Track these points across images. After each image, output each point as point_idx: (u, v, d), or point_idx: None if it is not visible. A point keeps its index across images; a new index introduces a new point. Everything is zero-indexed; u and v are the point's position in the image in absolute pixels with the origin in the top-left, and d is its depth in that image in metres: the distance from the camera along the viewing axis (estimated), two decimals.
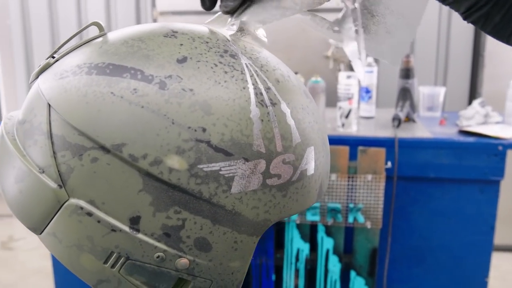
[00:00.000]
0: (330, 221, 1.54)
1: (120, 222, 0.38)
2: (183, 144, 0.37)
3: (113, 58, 0.39)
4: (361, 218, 1.52)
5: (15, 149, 0.40)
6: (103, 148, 0.37)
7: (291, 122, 0.41)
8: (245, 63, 0.41)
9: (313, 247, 1.64)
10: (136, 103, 0.37)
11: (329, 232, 1.58)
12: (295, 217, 1.56)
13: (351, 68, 2.50)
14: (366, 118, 1.86)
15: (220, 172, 0.38)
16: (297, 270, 1.63)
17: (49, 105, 0.39)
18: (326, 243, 1.58)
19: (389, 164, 1.53)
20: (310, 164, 0.43)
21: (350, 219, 1.53)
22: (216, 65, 0.40)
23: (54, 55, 0.42)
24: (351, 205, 1.52)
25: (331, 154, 1.62)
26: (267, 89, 0.41)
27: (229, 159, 0.38)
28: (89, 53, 0.41)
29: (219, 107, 0.38)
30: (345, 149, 1.51)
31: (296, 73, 1.80)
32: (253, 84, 0.40)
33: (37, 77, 0.42)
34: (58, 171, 0.38)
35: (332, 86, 2.08)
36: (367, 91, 1.84)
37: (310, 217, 1.55)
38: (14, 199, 0.41)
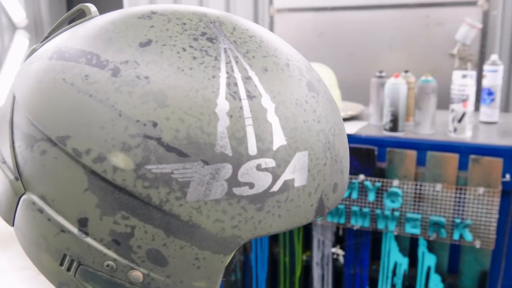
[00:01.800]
0: (432, 236, 1.39)
1: (69, 222, 0.34)
2: (129, 140, 0.32)
3: (76, 41, 0.36)
4: (468, 236, 1.34)
5: None
6: (50, 140, 0.34)
7: (273, 119, 0.34)
8: (225, 48, 0.35)
9: (413, 263, 1.50)
10: (85, 91, 0.33)
11: (431, 247, 1.42)
12: (392, 228, 1.43)
13: (479, 68, 2.26)
14: (486, 124, 1.65)
15: (173, 176, 0.32)
16: (393, 286, 1.50)
17: (13, 93, 0.37)
18: (427, 259, 1.43)
19: (508, 177, 1.33)
20: (300, 173, 0.35)
21: (456, 236, 1.36)
22: (184, 50, 0.34)
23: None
24: (458, 220, 1.35)
25: (436, 161, 1.44)
26: (246, 78, 0.34)
27: (183, 160, 0.32)
28: (62, 37, 0.38)
29: (176, 98, 0.32)
30: (454, 157, 1.35)
31: (406, 71, 1.65)
32: (227, 73, 0.34)
33: (24, 61, 0.40)
34: (16, 162, 0.36)
35: None
36: (490, 93, 1.63)
37: (410, 229, 1.41)
38: None
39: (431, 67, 2.39)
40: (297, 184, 0.35)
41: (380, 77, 1.67)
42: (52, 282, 0.37)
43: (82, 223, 0.34)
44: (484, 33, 2.27)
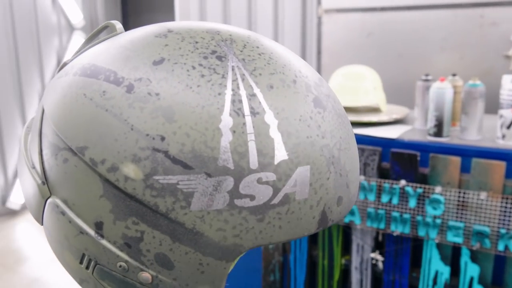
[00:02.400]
0: (475, 246, 1.34)
1: (87, 225, 0.37)
2: (139, 152, 0.34)
3: (98, 59, 0.38)
4: None
5: (24, 143, 0.43)
6: (71, 150, 0.36)
7: (276, 135, 0.35)
8: (232, 66, 0.36)
9: (455, 272, 1.45)
10: (102, 106, 0.35)
11: (475, 257, 1.38)
12: (434, 235, 1.39)
13: None
14: None
15: (178, 186, 0.34)
16: None
17: (42, 105, 0.40)
18: (470, 269, 1.39)
19: None
20: (302, 187, 0.36)
21: (500, 247, 1.31)
22: (194, 68, 0.36)
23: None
24: (503, 231, 1.30)
25: (482, 169, 1.40)
26: (251, 95, 0.35)
27: (188, 172, 0.34)
28: (87, 53, 0.40)
29: (183, 114, 0.34)
30: (501, 164, 1.30)
31: (454, 75, 1.61)
32: (232, 90, 0.35)
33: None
34: (43, 168, 0.39)
35: None
36: None
37: (451, 238, 1.37)
38: (22, 190, 0.43)
39: (484, 69, 2.30)
40: (298, 197, 0.36)
41: (426, 80, 1.63)
42: (74, 278, 0.40)
43: (98, 226, 0.36)
44: None
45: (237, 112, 0.35)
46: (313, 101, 0.38)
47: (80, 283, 0.40)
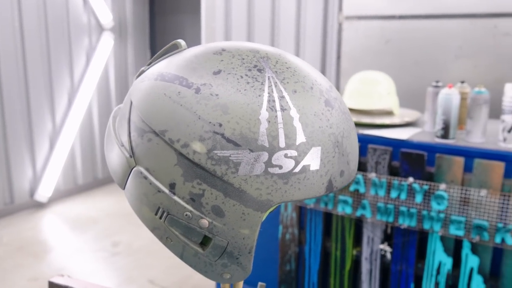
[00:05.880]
0: (475, 238, 1.47)
1: (163, 186, 0.51)
2: (204, 134, 0.49)
3: (172, 68, 0.53)
4: (510, 240, 1.41)
5: (113, 128, 0.58)
6: (154, 132, 0.51)
7: (297, 125, 0.50)
8: (268, 76, 0.51)
9: (456, 263, 1.58)
10: (178, 102, 0.50)
11: (475, 250, 1.50)
12: (438, 228, 1.52)
13: None
14: None
15: (230, 158, 0.48)
16: (437, 283, 1.59)
17: (131, 100, 0.55)
18: (471, 261, 1.51)
19: None
20: (315, 161, 0.51)
21: (497, 239, 1.43)
22: (242, 77, 0.51)
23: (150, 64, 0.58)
24: (500, 225, 1.42)
25: (483, 168, 1.57)
26: (281, 97, 0.50)
27: (237, 148, 0.48)
28: (162, 64, 0.56)
29: (234, 109, 0.49)
30: (500, 165, 1.42)
31: (462, 82, 1.73)
32: (268, 93, 0.50)
33: (136, 78, 0.58)
34: (131, 145, 0.53)
35: None
36: None
37: (453, 231, 1.50)
38: (109, 163, 0.58)
39: (496, 77, 2.40)
40: (312, 168, 0.51)
41: (436, 86, 1.76)
42: (147, 227, 0.54)
43: (172, 186, 0.51)
44: None
45: (271, 108, 0.49)
46: (324, 102, 0.53)
47: (152, 230, 0.54)
